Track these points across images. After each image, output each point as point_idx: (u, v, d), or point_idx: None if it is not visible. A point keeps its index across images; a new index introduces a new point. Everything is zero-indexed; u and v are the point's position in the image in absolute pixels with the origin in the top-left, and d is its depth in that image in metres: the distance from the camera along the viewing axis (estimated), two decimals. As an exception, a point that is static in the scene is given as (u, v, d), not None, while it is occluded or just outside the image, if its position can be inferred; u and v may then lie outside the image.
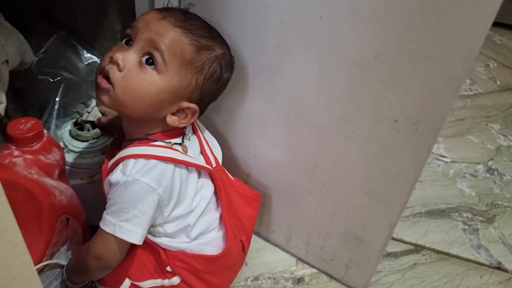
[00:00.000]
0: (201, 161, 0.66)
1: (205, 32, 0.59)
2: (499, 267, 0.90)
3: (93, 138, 0.76)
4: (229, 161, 0.80)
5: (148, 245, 0.63)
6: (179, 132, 0.64)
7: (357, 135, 0.64)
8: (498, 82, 1.50)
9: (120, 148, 0.64)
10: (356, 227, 0.74)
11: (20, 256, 0.41)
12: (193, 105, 0.60)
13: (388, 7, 0.52)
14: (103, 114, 0.77)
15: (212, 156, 0.68)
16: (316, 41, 0.59)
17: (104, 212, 0.59)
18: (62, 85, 0.77)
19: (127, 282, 0.65)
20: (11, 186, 0.57)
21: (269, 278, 0.84)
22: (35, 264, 0.61)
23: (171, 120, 0.60)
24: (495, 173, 1.13)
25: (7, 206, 0.38)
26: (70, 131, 0.76)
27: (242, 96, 0.72)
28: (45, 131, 0.63)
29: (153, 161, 0.58)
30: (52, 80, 0.76)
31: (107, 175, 0.60)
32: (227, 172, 0.71)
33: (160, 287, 0.65)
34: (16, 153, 0.59)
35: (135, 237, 0.58)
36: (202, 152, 0.68)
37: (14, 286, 0.42)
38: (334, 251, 0.80)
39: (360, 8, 0.54)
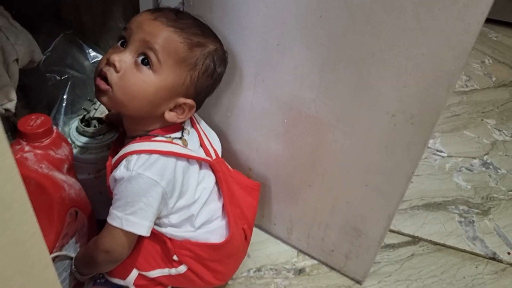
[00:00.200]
0: (201, 154, 0.68)
1: (197, 29, 0.61)
2: (494, 258, 0.92)
3: (100, 134, 0.78)
4: (232, 155, 0.82)
5: (154, 235, 0.64)
6: (178, 127, 0.66)
7: (355, 130, 0.66)
8: (494, 78, 1.53)
9: (122, 145, 0.65)
10: (355, 218, 0.76)
11: (37, 244, 0.43)
12: (189, 101, 0.62)
13: (384, 7, 0.54)
14: (109, 110, 0.79)
15: (211, 149, 0.70)
16: (316, 39, 0.61)
17: (111, 207, 0.60)
18: (69, 83, 0.79)
19: (134, 273, 0.67)
20: (23, 180, 0.58)
21: (271, 269, 0.86)
22: (46, 255, 0.63)
23: (169, 116, 0.62)
24: (491, 167, 1.16)
25: (26, 197, 0.40)
26: (77, 127, 0.78)
27: (245, 93, 0.74)
28: (54, 127, 0.65)
29: (155, 156, 0.60)
30: (59, 78, 0.78)
31: (112, 172, 0.62)
32: (226, 163, 0.73)
33: (168, 276, 0.67)
34: (27, 148, 0.61)
35: (142, 229, 0.60)
36: (202, 145, 0.69)
37: (31, 274, 0.44)
38: (334, 243, 0.82)
39: (357, 8, 0.56)
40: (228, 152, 0.80)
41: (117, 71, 0.58)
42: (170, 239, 0.65)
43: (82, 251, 0.68)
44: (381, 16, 0.55)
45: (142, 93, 0.58)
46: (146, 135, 0.63)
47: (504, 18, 1.82)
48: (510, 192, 1.08)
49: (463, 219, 1.00)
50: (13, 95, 0.63)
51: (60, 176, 0.64)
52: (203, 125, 0.73)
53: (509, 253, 0.92)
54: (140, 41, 0.58)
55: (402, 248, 0.93)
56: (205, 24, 0.64)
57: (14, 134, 0.67)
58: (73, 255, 0.69)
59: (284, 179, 0.81)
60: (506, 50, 1.70)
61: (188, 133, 0.68)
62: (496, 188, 1.09)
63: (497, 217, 1.01)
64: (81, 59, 0.82)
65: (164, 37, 0.57)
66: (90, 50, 0.83)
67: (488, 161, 1.17)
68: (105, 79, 0.59)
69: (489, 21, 1.90)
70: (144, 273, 0.67)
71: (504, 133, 1.28)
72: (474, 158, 1.18)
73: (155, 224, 0.64)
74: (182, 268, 0.66)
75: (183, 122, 0.67)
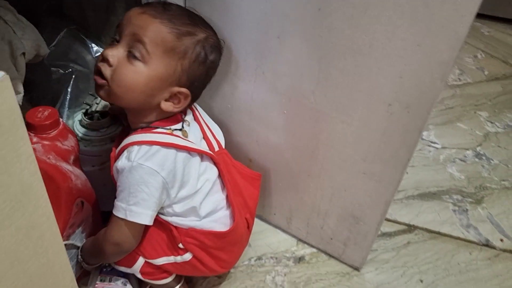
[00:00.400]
0: (203, 146, 0.70)
1: (185, 19, 0.62)
2: (487, 244, 0.95)
3: (103, 127, 0.79)
4: (233, 147, 0.84)
5: (160, 223, 0.66)
6: (178, 118, 0.68)
7: (353, 119, 0.68)
8: (486, 72, 1.56)
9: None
10: (353, 206, 0.78)
11: (51, 228, 0.45)
12: (183, 89, 0.63)
13: (381, -1, 0.56)
14: (111, 104, 0.80)
15: (214, 141, 0.72)
16: (315, 31, 0.63)
17: (115, 200, 0.62)
18: (73, 77, 0.80)
19: (141, 260, 0.68)
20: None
21: (271, 258, 0.88)
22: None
23: (165, 106, 0.64)
24: (483, 158, 1.19)
25: (41, 182, 0.42)
26: (80, 120, 0.79)
27: (245, 85, 0.76)
28: (61, 119, 0.67)
29: (155, 147, 0.61)
30: (64, 72, 0.80)
31: (115, 162, 0.64)
32: (229, 154, 0.74)
33: (173, 264, 0.68)
34: (35, 139, 0.63)
35: (145, 218, 0.61)
36: (204, 137, 0.71)
37: (46, 257, 0.46)
38: (333, 231, 0.84)
39: (355, 0, 0.58)
40: (229, 144, 0.82)
41: (110, 65, 0.61)
42: (176, 227, 0.66)
43: (90, 243, 0.70)
44: (378, 8, 0.57)
45: (134, 84, 0.60)
46: (148, 127, 0.65)
47: (496, 13, 1.85)
48: (502, 182, 1.11)
49: (457, 208, 1.03)
50: (21, 88, 0.64)
51: (67, 167, 0.66)
52: (206, 119, 0.75)
53: (501, 240, 0.95)
54: (130, 35, 0.60)
55: (398, 236, 0.95)
56: (197, 13, 0.65)
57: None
58: (79, 244, 0.71)
59: (283, 169, 0.83)
60: (498, 45, 1.73)
61: (189, 125, 0.69)
62: (488, 178, 1.12)
63: (490, 206, 1.04)
64: (84, 54, 0.83)
65: (151, 29, 0.59)
66: (93, 44, 0.85)
67: (481, 152, 1.20)
68: (101, 74, 0.61)
69: (481, 16, 1.92)
70: (150, 260, 0.68)
71: (496, 125, 1.31)
72: (467, 149, 1.21)
73: (161, 213, 0.66)
74: (188, 256, 0.68)
75: (183, 114, 0.69)
